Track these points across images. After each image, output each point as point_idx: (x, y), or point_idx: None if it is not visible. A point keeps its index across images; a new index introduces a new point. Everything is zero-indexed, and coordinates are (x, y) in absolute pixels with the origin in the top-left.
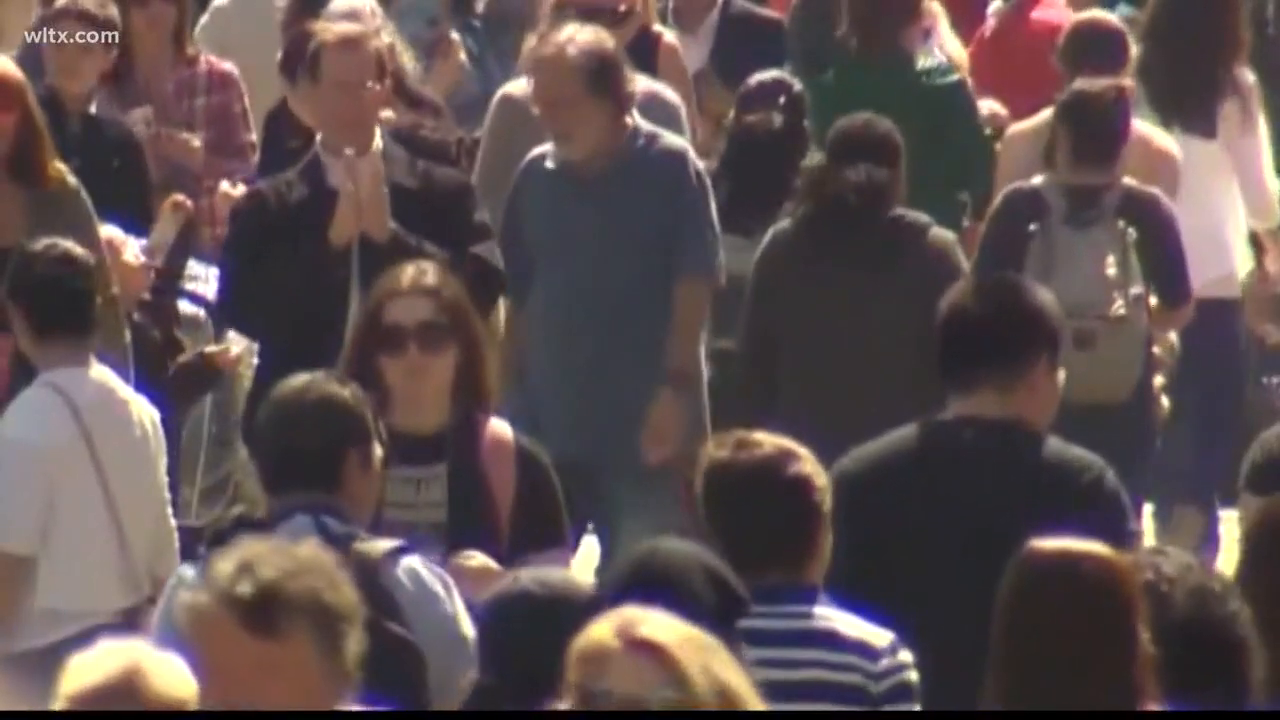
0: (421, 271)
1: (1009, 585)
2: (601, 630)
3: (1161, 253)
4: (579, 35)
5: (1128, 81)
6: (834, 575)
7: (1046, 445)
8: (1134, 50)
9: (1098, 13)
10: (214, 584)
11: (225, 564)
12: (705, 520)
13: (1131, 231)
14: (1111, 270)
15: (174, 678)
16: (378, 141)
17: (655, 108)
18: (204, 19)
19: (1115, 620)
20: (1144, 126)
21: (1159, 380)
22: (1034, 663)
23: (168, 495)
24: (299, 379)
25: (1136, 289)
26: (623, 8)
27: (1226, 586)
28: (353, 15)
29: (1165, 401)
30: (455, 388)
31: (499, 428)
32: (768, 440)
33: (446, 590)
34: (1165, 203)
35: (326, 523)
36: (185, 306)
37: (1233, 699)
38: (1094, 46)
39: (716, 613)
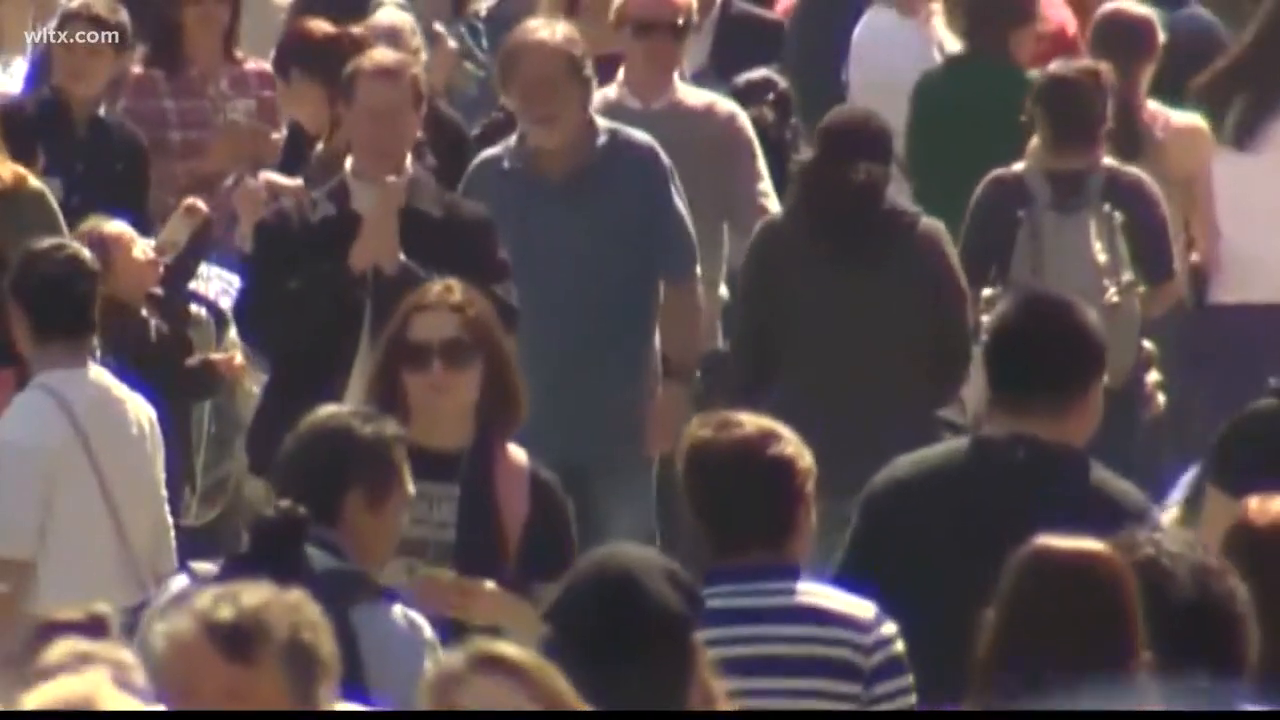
0: (448, 288)
1: (1014, 581)
2: (451, 659)
3: (1145, 230)
4: (556, 25)
5: (1103, 65)
6: (862, 571)
7: (1094, 473)
8: (1161, 38)
9: (1125, 2)
10: (195, 609)
11: (208, 594)
12: (686, 499)
13: (1118, 215)
14: (1101, 257)
15: (128, 704)
16: (408, 168)
17: (714, 117)
18: None
19: (1118, 621)
20: (1162, 108)
21: (1154, 378)
22: (1032, 661)
23: (164, 493)
24: (327, 409)
25: (1127, 275)
26: (680, 20)
27: (1224, 564)
28: (393, 33)
29: (1161, 399)
30: (479, 407)
31: (515, 453)
32: (750, 420)
33: (421, 640)
34: (1148, 182)
35: (312, 555)
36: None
37: (1228, 674)
38: (1120, 35)
39: (682, 610)
